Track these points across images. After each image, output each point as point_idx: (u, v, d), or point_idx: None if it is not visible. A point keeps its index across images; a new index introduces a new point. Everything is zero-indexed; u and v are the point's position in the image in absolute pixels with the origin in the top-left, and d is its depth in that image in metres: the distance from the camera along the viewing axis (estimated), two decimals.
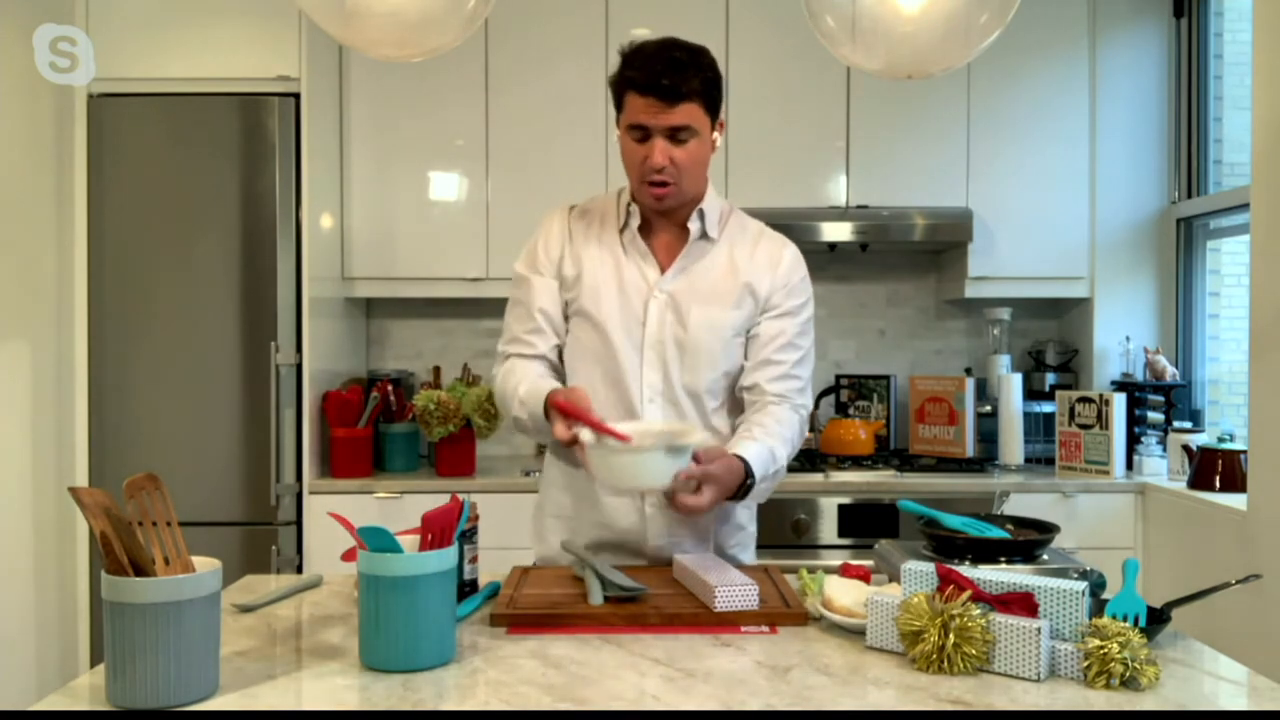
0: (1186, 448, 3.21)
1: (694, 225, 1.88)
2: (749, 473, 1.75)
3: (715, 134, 1.86)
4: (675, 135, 1.78)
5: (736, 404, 1.95)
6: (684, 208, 1.89)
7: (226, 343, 3.23)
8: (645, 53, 1.78)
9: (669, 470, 1.57)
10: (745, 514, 2.00)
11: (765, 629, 1.54)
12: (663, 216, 1.90)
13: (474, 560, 1.71)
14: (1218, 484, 3.04)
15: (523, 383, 1.84)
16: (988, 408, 3.61)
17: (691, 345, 1.86)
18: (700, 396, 1.88)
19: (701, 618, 1.55)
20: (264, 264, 3.23)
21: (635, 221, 1.89)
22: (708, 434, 1.62)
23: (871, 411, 3.76)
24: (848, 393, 3.81)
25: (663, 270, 1.88)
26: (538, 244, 1.94)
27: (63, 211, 3.18)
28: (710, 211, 1.89)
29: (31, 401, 3.03)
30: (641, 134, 1.79)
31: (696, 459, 1.66)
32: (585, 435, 1.59)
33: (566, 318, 1.92)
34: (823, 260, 3.86)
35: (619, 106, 1.83)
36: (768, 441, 1.80)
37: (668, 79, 1.73)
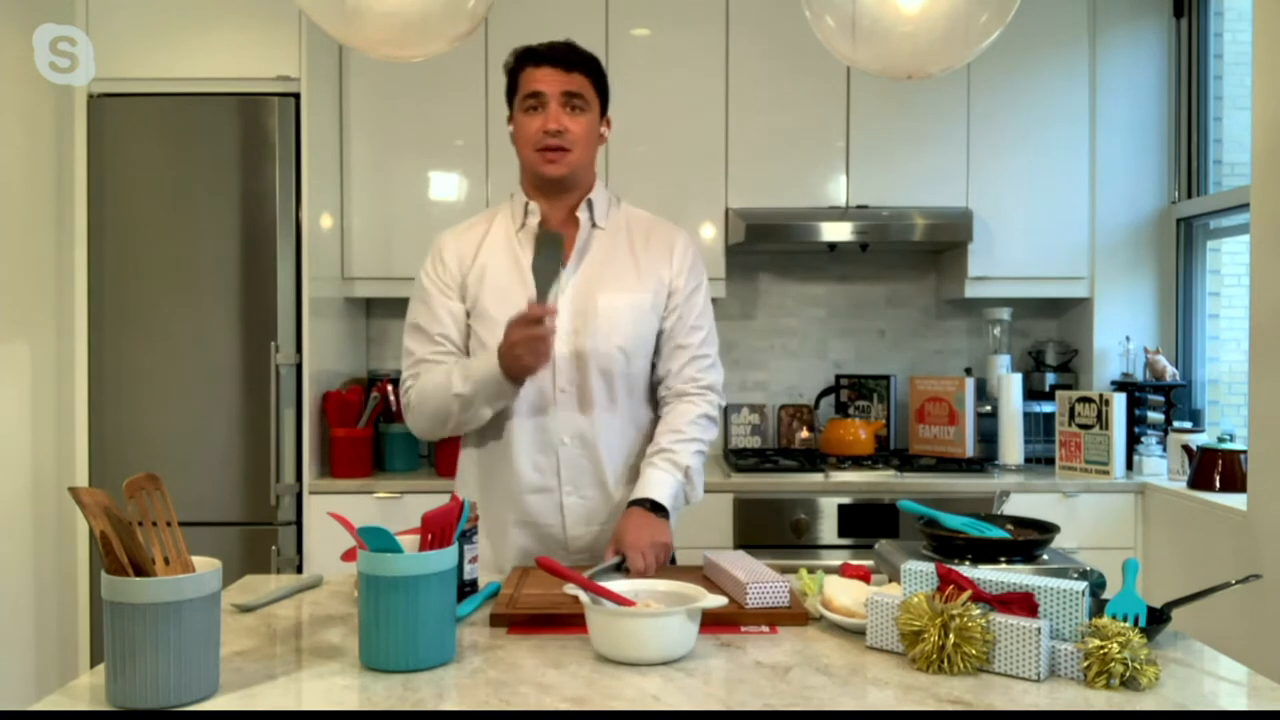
0: (1186, 448, 3.21)
1: (583, 215, 1.98)
2: (652, 505, 1.85)
3: (604, 127, 1.99)
4: (570, 103, 1.90)
5: (652, 395, 2.03)
6: (574, 193, 1.98)
7: (226, 343, 3.23)
8: (538, 44, 1.96)
9: (690, 638, 1.40)
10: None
11: (765, 629, 1.54)
12: (556, 201, 1.97)
13: (474, 560, 1.71)
14: (1218, 484, 3.04)
15: (452, 370, 1.89)
16: (988, 408, 3.61)
17: (604, 329, 1.92)
18: (613, 379, 1.94)
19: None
20: (264, 264, 3.22)
21: (534, 219, 1.97)
22: (721, 597, 1.44)
23: (871, 411, 3.76)
24: (848, 393, 3.81)
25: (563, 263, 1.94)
26: (433, 266, 1.99)
27: (63, 211, 3.18)
28: (598, 202, 2.00)
29: (31, 401, 3.03)
30: (537, 101, 1.90)
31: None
32: (584, 596, 1.42)
33: (469, 330, 1.98)
34: (823, 260, 3.86)
35: (514, 89, 1.96)
36: (663, 460, 1.90)
37: (561, 52, 1.92)
